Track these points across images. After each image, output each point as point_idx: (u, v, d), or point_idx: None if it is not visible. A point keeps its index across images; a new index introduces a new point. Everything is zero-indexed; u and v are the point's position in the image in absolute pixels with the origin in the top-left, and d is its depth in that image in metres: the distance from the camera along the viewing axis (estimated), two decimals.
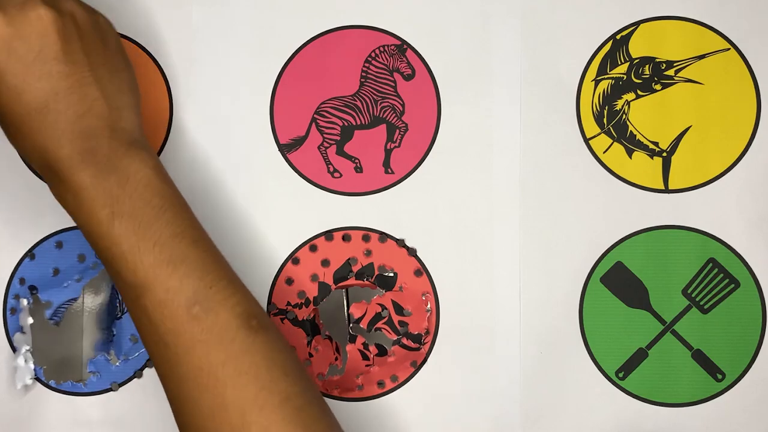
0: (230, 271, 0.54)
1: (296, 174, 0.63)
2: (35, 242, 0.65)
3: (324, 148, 0.63)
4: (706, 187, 0.61)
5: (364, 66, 0.63)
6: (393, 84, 0.63)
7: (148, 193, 0.52)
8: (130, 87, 0.56)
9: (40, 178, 0.64)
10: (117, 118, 0.53)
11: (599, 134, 0.62)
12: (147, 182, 0.52)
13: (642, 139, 0.61)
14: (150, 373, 0.63)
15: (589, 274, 0.61)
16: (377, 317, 0.62)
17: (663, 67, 0.61)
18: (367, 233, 0.63)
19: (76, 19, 0.53)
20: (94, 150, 0.52)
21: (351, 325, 0.62)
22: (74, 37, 0.52)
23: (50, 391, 0.64)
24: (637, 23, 0.62)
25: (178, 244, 0.52)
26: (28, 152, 0.54)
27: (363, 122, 0.63)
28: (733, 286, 0.60)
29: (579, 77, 0.62)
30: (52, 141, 0.52)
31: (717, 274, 0.60)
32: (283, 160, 0.63)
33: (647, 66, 0.62)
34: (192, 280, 0.51)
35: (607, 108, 0.62)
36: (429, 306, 0.62)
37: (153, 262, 0.51)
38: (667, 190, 0.61)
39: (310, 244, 0.63)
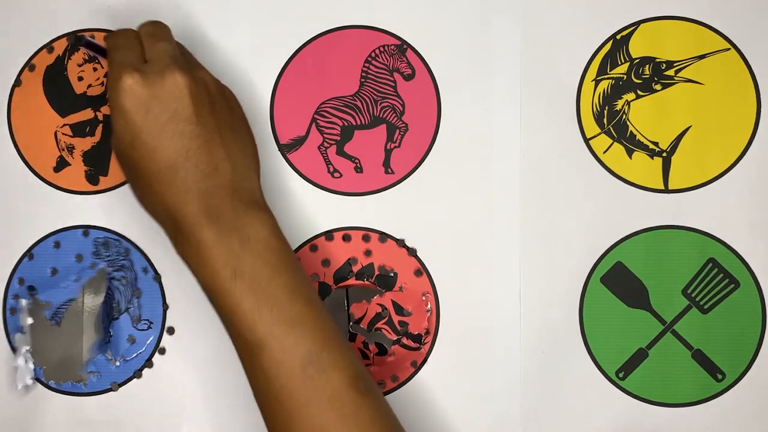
0: (339, 332, 0.55)
1: (296, 174, 0.63)
2: (34, 242, 0.65)
3: (324, 148, 0.63)
4: (706, 187, 0.61)
5: (364, 66, 0.63)
6: (393, 84, 0.63)
7: (267, 252, 0.54)
8: (252, 151, 0.59)
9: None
10: (240, 178, 0.56)
11: (599, 134, 0.62)
12: (266, 242, 0.54)
13: (642, 139, 0.61)
14: (150, 374, 0.63)
15: (589, 274, 0.61)
16: (377, 317, 0.62)
17: (663, 67, 0.61)
18: (367, 233, 0.63)
19: (208, 86, 0.57)
20: (218, 208, 0.54)
21: (351, 324, 0.62)
22: (205, 101, 0.56)
23: (50, 391, 0.63)
24: (637, 23, 0.62)
25: (294, 304, 0.53)
26: (155, 208, 0.56)
27: (363, 122, 0.63)
28: (733, 286, 0.60)
29: (579, 77, 0.62)
30: (179, 198, 0.54)
31: (717, 274, 0.60)
32: (283, 160, 0.63)
33: (647, 66, 0.62)
34: (306, 340, 0.53)
35: (607, 108, 0.62)
36: (429, 306, 0.62)
37: (271, 321, 0.53)
38: (667, 190, 0.61)
39: (311, 244, 0.63)
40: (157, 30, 0.59)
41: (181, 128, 0.54)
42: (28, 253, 0.64)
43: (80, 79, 0.65)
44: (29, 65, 0.65)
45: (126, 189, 0.64)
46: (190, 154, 0.54)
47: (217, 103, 0.57)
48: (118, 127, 0.55)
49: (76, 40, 0.58)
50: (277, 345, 0.52)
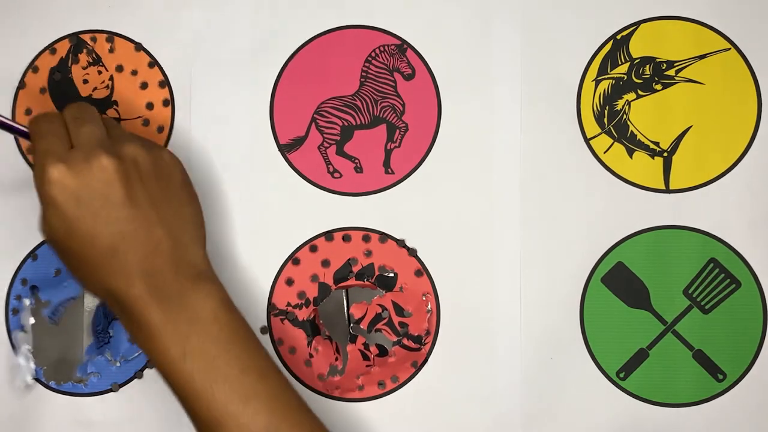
0: (299, 400, 0.55)
1: (296, 174, 0.63)
2: (38, 243, 0.65)
3: (324, 148, 0.63)
4: (707, 187, 0.61)
5: (364, 66, 0.63)
6: (393, 84, 0.63)
7: (215, 328, 0.54)
8: (195, 220, 0.58)
9: None
10: (183, 253, 0.55)
11: (600, 134, 0.62)
12: (214, 317, 0.54)
13: (643, 139, 0.61)
14: (150, 374, 0.63)
15: (589, 274, 0.61)
16: (377, 318, 0.62)
17: (663, 67, 0.61)
18: (367, 233, 0.63)
19: (138, 163, 0.55)
20: (162, 287, 0.54)
21: (351, 325, 0.62)
22: (136, 181, 0.55)
23: (50, 391, 0.64)
24: (638, 23, 0.62)
25: (247, 379, 0.53)
26: (99, 292, 0.56)
27: (363, 122, 0.63)
28: (734, 286, 0.60)
29: (579, 77, 0.62)
30: (122, 281, 0.54)
31: (718, 275, 0.60)
32: (283, 160, 0.63)
33: (648, 66, 0.62)
34: (262, 415, 0.53)
35: (607, 108, 0.62)
36: (429, 306, 0.62)
37: (225, 398, 0.52)
38: (667, 190, 0.61)
39: (311, 245, 0.63)
40: (81, 112, 0.57)
41: (115, 213, 0.54)
42: (32, 254, 0.65)
43: (85, 81, 0.65)
44: (32, 67, 0.66)
45: None
46: (127, 238, 0.54)
47: (150, 178, 0.55)
48: (50, 219, 0.54)
49: None
50: (233, 422, 0.52)
